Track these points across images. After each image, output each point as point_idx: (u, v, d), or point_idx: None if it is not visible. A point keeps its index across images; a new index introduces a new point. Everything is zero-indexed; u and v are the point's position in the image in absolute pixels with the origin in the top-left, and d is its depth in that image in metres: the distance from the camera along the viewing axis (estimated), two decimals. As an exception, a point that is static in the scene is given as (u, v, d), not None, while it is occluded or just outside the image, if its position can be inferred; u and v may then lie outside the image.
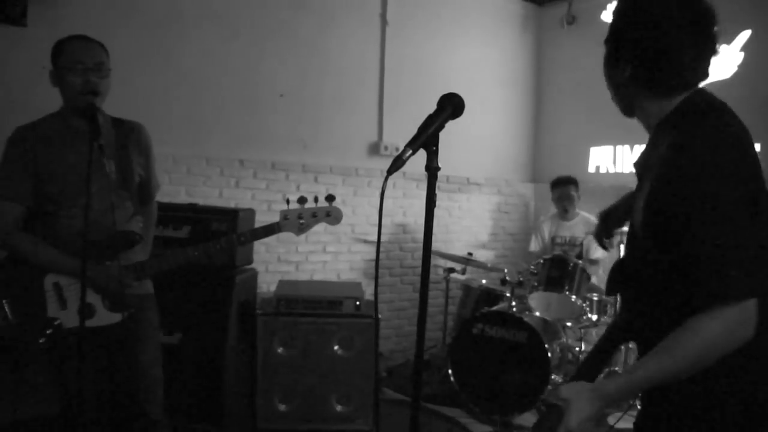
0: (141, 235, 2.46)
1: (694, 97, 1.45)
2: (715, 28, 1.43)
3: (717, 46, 1.45)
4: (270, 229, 2.49)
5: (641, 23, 1.45)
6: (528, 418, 3.79)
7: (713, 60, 1.45)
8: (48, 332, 2.25)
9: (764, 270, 1.32)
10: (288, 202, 2.52)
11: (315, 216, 2.53)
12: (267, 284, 4.35)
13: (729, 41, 4.59)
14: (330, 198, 2.52)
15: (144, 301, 2.48)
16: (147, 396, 2.45)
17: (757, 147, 4.51)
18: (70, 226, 2.28)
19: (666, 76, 1.44)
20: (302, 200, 2.50)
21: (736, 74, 4.56)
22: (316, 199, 2.52)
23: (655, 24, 1.43)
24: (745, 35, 4.51)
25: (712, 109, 1.44)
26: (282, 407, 3.56)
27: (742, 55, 4.53)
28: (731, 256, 1.29)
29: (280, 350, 3.55)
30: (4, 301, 2.25)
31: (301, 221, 2.51)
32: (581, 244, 4.81)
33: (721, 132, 1.38)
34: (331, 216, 2.55)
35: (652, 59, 1.44)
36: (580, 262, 4.30)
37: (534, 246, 5.17)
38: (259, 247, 4.05)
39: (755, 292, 1.29)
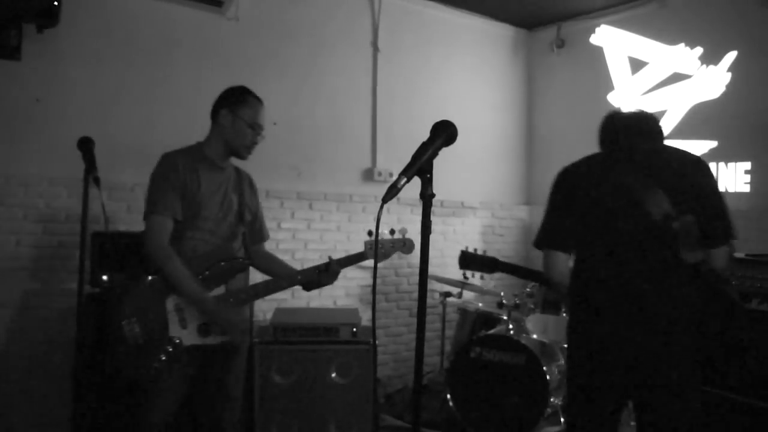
0: (249, 263, 2.75)
1: None
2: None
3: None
4: (359, 257, 2.85)
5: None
6: (528, 442, 3.77)
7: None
8: (169, 350, 2.40)
9: None
10: (369, 233, 2.89)
11: (393, 246, 2.88)
12: (263, 312, 4.32)
13: (716, 62, 4.65)
14: (403, 230, 2.88)
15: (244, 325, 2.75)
16: (228, 416, 2.62)
17: (747, 165, 4.59)
18: (194, 249, 2.53)
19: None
20: (392, 232, 2.88)
21: (724, 94, 4.62)
22: (392, 232, 2.87)
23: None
24: (731, 56, 4.57)
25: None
26: (280, 436, 3.52)
27: (729, 75, 4.59)
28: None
29: (277, 378, 3.53)
30: (133, 320, 2.39)
31: (382, 250, 2.88)
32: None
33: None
34: (406, 246, 2.89)
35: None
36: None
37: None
38: (255, 275, 4.04)
39: None
